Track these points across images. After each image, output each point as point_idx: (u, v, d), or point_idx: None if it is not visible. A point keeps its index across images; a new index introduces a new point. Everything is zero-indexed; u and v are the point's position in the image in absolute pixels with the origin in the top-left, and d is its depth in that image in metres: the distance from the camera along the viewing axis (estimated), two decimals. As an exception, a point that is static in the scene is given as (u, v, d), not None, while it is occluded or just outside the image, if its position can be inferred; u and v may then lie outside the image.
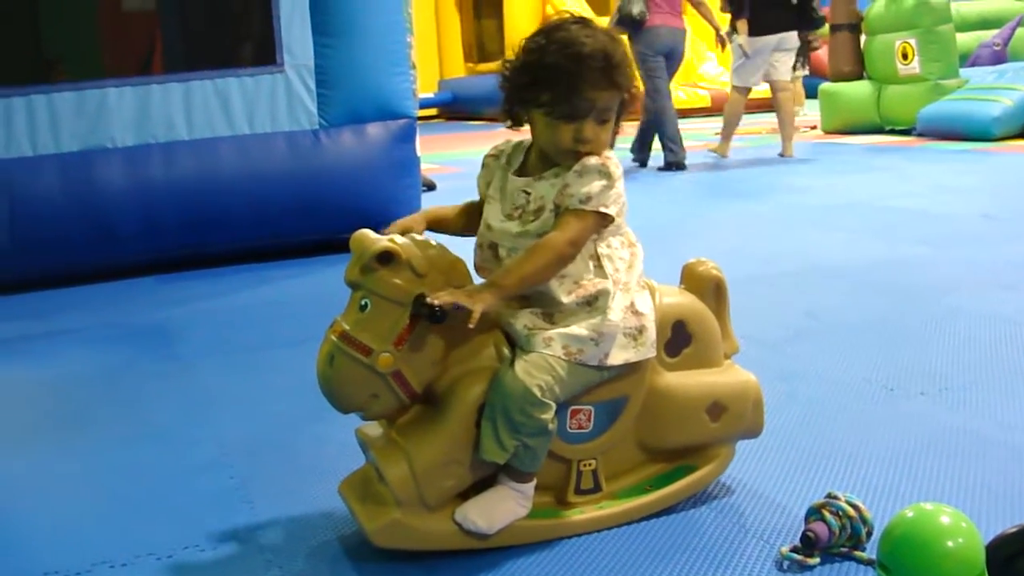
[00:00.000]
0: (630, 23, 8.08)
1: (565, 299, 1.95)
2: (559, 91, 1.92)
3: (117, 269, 4.87)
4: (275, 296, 4.48)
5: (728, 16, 9.05)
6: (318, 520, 2.15)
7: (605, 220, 1.95)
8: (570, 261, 1.94)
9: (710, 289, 2.21)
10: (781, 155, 8.99)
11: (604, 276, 1.98)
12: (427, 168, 7.11)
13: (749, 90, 9.08)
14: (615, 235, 2.02)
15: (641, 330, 2.00)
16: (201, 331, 3.90)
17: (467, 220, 2.16)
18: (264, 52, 5.10)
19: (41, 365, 3.55)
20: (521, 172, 2.06)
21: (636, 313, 2.00)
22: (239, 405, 2.97)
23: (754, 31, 8.64)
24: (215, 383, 3.19)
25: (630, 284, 2.01)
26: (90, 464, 2.58)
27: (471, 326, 1.83)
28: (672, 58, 8.46)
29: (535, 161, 2.05)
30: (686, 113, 14.16)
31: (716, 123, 13.33)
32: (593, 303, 1.96)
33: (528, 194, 2.00)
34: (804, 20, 8.72)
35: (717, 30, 8.84)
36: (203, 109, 4.98)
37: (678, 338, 2.13)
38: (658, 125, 8.50)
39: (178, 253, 5.00)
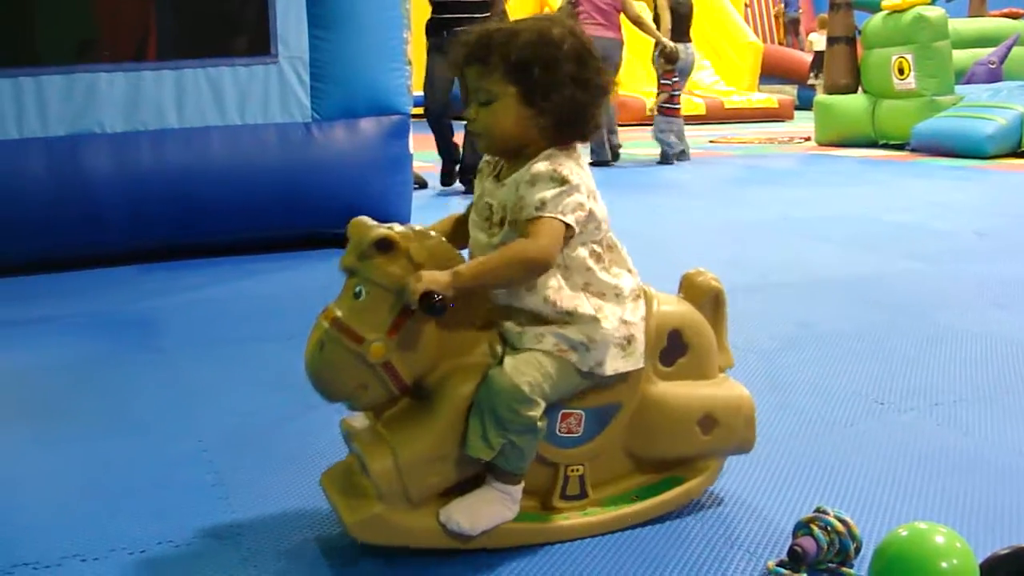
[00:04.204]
0: None
1: (554, 309, 1.91)
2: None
3: (101, 257, 4.81)
4: (261, 290, 4.44)
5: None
6: (297, 518, 2.11)
7: (568, 230, 1.88)
8: (541, 265, 1.87)
9: (708, 300, 2.17)
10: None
11: (597, 287, 1.95)
12: (419, 166, 7.08)
13: None
14: (593, 243, 1.96)
15: (630, 339, 1.97)
16: (185, 322, 3.85)
17: (454, 233, 2.10)
18: (258, 42, 5.04)
19: (20, 353, 3.49)
20: (497, 178, 2.02)
21: (625, 322, 1.96)
22: (221, 399, 2.92)
23: None
24: (197, 376, 3.14)
25: (624, 294, 1.97)
26: (65, 455, 2.52)
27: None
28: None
29: (504, 166, 2.02)
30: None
31: (710, 131, 13.38)
32: (575, 312, 1.91)
33: (491, 204, 1.97)
34: None
35: (659, 43, 9.21)
36: (194, 98, 4.91)
37: (673, 347, 2.09)
38: None
39: (164, 242, 4.95)
